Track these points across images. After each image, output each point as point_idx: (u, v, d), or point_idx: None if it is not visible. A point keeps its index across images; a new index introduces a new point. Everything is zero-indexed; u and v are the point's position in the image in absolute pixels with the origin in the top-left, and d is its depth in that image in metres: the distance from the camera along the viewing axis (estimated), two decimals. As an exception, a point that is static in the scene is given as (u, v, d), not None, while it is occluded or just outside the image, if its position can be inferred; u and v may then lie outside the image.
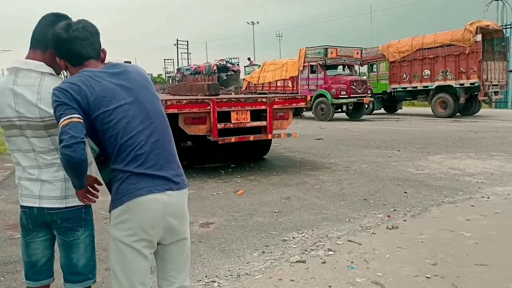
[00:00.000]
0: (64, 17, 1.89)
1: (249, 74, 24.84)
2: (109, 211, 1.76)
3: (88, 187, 1.82)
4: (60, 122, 1.60)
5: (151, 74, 36.22)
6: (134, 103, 1.74)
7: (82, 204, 1.87)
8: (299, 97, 8.17)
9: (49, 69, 1.85)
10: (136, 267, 1.73)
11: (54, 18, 1.87)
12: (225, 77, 26.15)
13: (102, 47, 1.88)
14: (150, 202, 1.69)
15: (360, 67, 20.56)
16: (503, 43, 18.42)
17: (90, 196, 1.83)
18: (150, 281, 1.83)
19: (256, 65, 26.42)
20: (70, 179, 1.74)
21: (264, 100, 7.12)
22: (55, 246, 1.98)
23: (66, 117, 1.60)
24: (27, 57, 1.86)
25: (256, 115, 7.07)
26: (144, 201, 1.68)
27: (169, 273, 1.86)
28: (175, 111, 6.27)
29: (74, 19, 1.86)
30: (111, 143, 1.70)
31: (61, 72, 1.97)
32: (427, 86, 18.81)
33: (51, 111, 1.74)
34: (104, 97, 1.69)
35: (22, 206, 1.90)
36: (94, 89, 1.68)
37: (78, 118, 1.62)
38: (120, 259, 1.73)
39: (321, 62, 18.48)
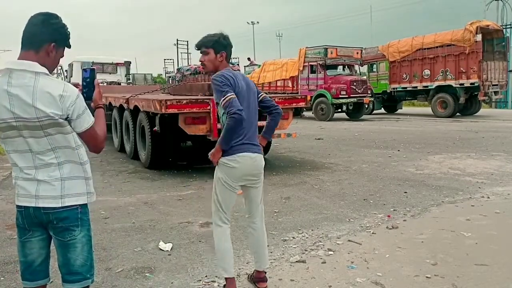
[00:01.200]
0: (54, 16, 1.87)
1: (249, 74, 24.75)
2: (220, 158, 2.70)
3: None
4: (226, 96, 2.55)
5: (151, 74, 36.11)
6: (246, 100, 2.70)
7: (78, 204, 1.88)
8: (299, 97, 8.14)
9: (43, 69, 1.81)
10: (228, 198, 2.81)
11: (44, 18, 1.85)
12: None
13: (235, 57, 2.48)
14: (246, 157, 2.72)
15: (360, 67, 20.54)
16: (503, 43, 18.44)
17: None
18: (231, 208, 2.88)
19: (256, 65, 26.41)
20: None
21: (264, 100, 7.11)
22: (52, 246, 1.98)
23: (230, 94, 2.56)
24: (19, 58, 1.83)
25: (256, 115, 7.06)
26: (246, 155, 2.71)
27: (252, 205, 2.96)
28: (175, 111, 6.25)
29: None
30: None
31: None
32: (427, 86, 18.82)
33: (48, 110, 1.75)
34: (239, 93, 2.64)
35: (18, 206, 1.90)
36: (236, 85, 2.65)
37: (236, 96, 2.57)
38: (221, 191, 2.78)
39: (321, 62, 18.48)
